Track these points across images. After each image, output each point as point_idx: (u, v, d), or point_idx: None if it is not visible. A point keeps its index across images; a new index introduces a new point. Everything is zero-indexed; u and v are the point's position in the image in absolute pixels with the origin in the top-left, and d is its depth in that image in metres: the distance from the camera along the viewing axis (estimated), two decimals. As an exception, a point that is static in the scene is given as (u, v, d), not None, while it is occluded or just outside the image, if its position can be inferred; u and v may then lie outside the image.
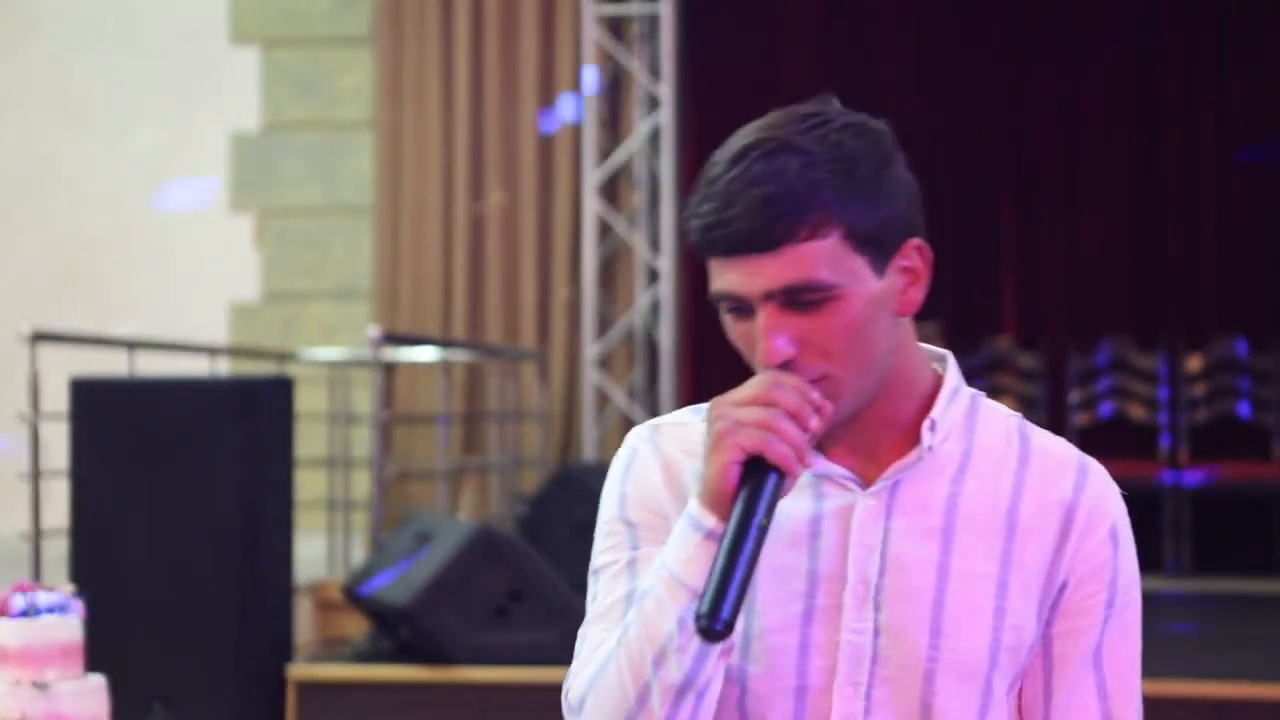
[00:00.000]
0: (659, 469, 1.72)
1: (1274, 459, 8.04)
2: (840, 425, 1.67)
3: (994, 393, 8.33)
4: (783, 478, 1.59)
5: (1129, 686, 1.73)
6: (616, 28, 8.25)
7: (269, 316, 8.43)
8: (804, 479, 1.67)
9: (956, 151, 8.41)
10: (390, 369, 7.74)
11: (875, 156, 1.66)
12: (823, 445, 1.69)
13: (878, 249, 1.65)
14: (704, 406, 1.69)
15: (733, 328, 1.67)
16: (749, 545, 1.57)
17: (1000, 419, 1.74)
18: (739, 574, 1.55)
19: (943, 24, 8.53)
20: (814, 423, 1.60)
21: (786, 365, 1.61)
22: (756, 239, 1.60)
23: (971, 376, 8.67)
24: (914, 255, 1.68)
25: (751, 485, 1.59)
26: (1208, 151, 8.36)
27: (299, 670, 5.44)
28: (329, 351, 7.79)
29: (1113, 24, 8.41)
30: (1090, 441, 8.30)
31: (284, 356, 7.36)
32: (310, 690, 5.40)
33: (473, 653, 5.32)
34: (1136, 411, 8.31)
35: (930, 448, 1.68)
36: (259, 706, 5.33)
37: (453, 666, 5.35)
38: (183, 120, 8.49)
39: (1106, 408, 8.33)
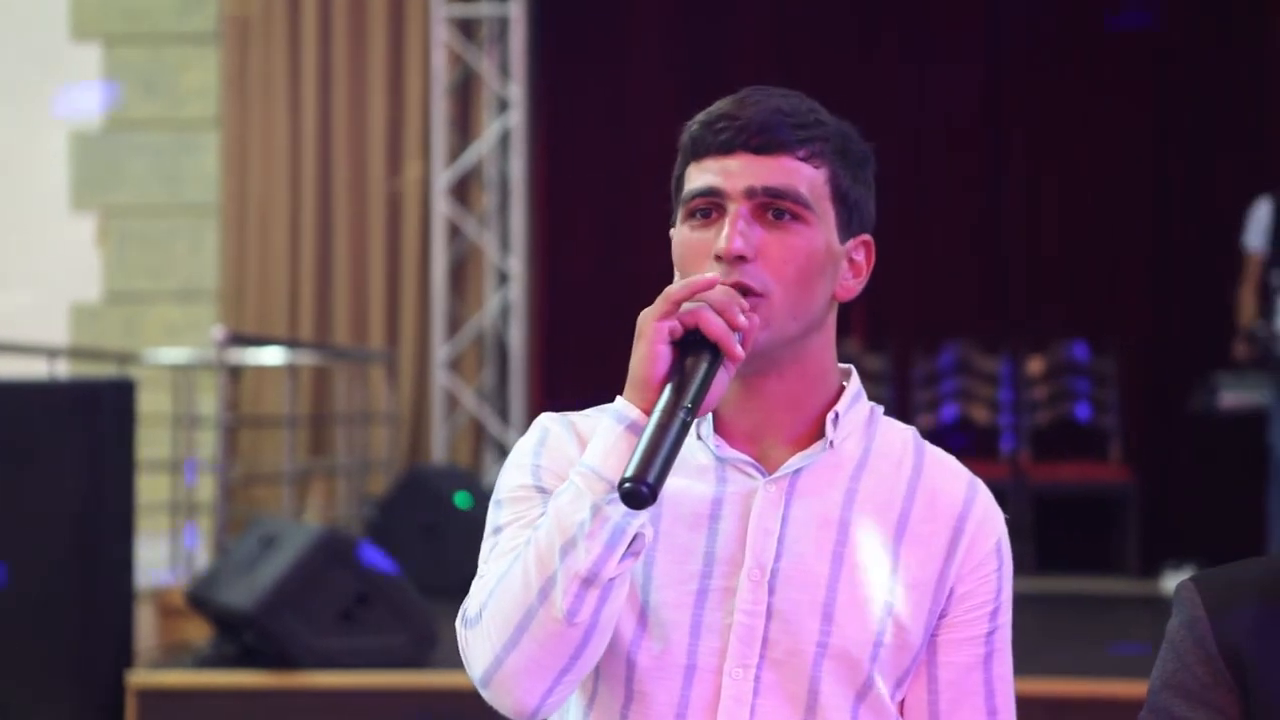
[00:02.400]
0: (575, 445, 1.74)
1: (1112, 460, 8.21)
2: (744, 401, 1.71)
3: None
4: (716, 361, 1.60)
5: (1010, 704, 1.79)
6: (466, 28, 8.22)
7: (111, 317, 8.28)
8: (706, 461, 1.71)
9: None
10: (236, 371, 7.65)
11: (865, 151, 1.79)
12: (725, 431, 1.73)
13: (848, 215, 1.74)
14: (608, 406, 1.71)
15: (687, 238, 1.70)
16: (675, 427, 1.57)
17: (897, 430, 1.80)
18: (665, 448, 1.56)
19: (794, 24, 8.60)
20: (741, 320, 1.61)
21: (737, 263, 1.65)
22: (758, 140, 1.68)
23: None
24: (863, 250, 1.78)
25: (681, 371, 1.60)
26: (1051, 158, 8.52)
27: (139, 677, 5.35)
28: (173, 353, 7.67)
29: (960, 27, 8.54)
30: (934, 443, 8.41)
31: (126, 358, 7.24)
32: (151, 698, 5.31)
33: (318, 657, 5.27)
34: (979, 413, 8.44)
35: (832, 442, 1.72)
36: (98, 714, 5.23)
37: (298, 671, 5.29)
38: (22, 117, 8.31)
39: (950, 410, 8.45)
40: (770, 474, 1.71)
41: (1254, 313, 6.99)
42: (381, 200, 8.17)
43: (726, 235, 1.66)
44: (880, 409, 1.81)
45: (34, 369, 6.74)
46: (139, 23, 8.30)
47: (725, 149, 1.68)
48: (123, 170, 8.29)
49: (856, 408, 1.77)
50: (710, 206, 1.69)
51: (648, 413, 1.59)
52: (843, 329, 8.84)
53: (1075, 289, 8.47)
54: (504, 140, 8.19)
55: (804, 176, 1.69)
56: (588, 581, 1.59)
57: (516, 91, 8.11)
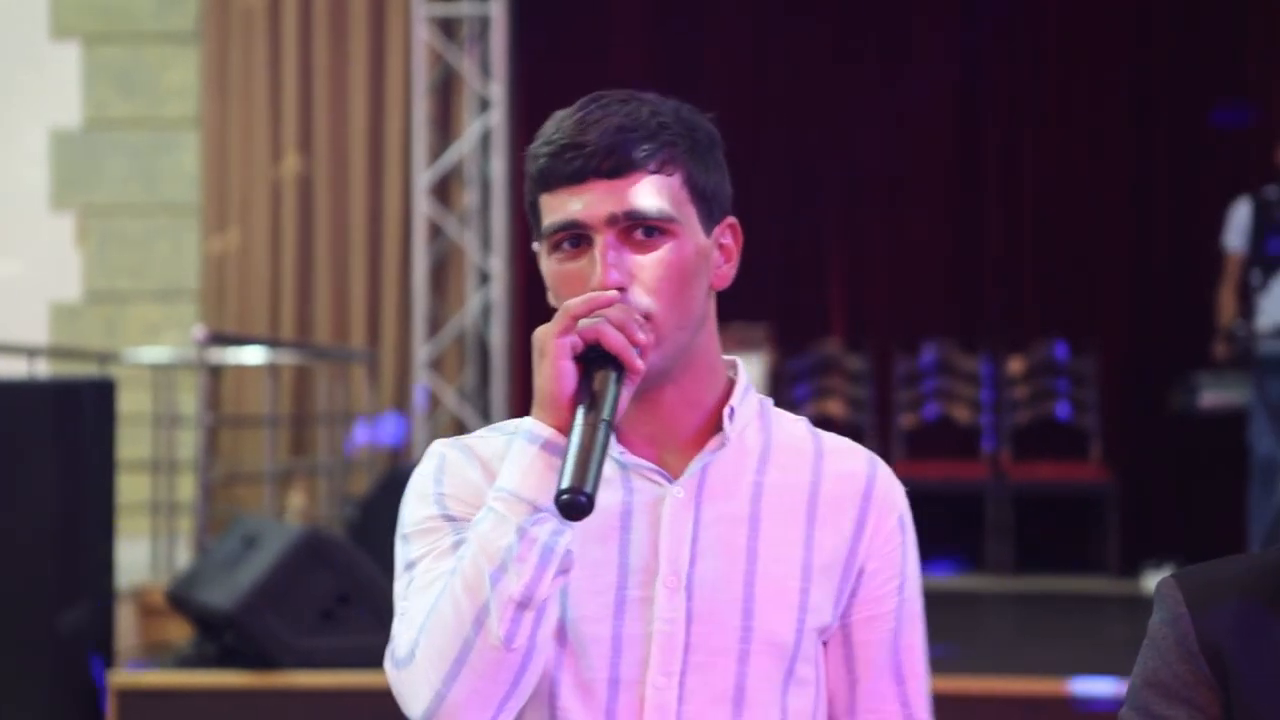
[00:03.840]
0: (477, 468, 1.73)
1: (1092, 459, 8.23)
2: (642, 411, 1.71)
3: (823, 394, 8.51)
4: (622, 376, 1.61)
5: (920, 671, 1.81)
6: (447, 28, 8.21)
7: (91, 317, 8.26)
8: (612, 472, 1.70)
9: (784, 153, 8.50)
10: (216, 370, 7.63)
11: (710, 132, 1.75)
12: (625, 439, 1.72)
13: (708, 208, 1.73)
14: (501, 424, 1.75)
15: (558, 270, 1.69)
16: (600, 435, 1.57)
17: (790, 420, 1.81)
18: (596, 458, 1.56)
19: (772, 25, 8.61)
20: (641, 336, 1.62)
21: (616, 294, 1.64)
22: (609, 164, 1.66)
23: (800, 378, 8.81)
24: (729, 233, 1.76)
25: (590, 387, 1.60)
26: (1028, 157, 8.55)
27: (120, 677, 5.33)
28: (153, 352, 7.65)
29: (936, 29, 8.56)
30: (916, 443, 8.45)
31: (106, 358, 7.22)
32: (132, 698, 5.30)
33: (299, 657, 5.26)
34: (960, 413, 8.46)
35: (731, 437, 1.73)
36: (79, 714, 5.22)
37: (278, 671, 5.28)
38: (1, 116, 8.28)
39: (931, 409, 8.47)
40: (675, 478, 1.71)
41: (1233, 313, 7.01)
42: (363, 200, 8.16)
43: (599, 271, 1.65)
44: (770, 401, 1.81)
45: (13, 368, 6.71)
46: (118, 22, 8.28)
47: (577, 179, 1.67)
48: (102, 169, 8.27)
49: (748, 400, 1.77)
50: (576, 237, 1.68)
51: (561, 430, 1.59)
52: (823, 329, 8.82)
53: (1055, 289, 8.49)
54: (485, 139, 8.18)
55: (662, 189, 1.68)
56: (522, 605, 1.58)
57: (497, 91, 8.11)
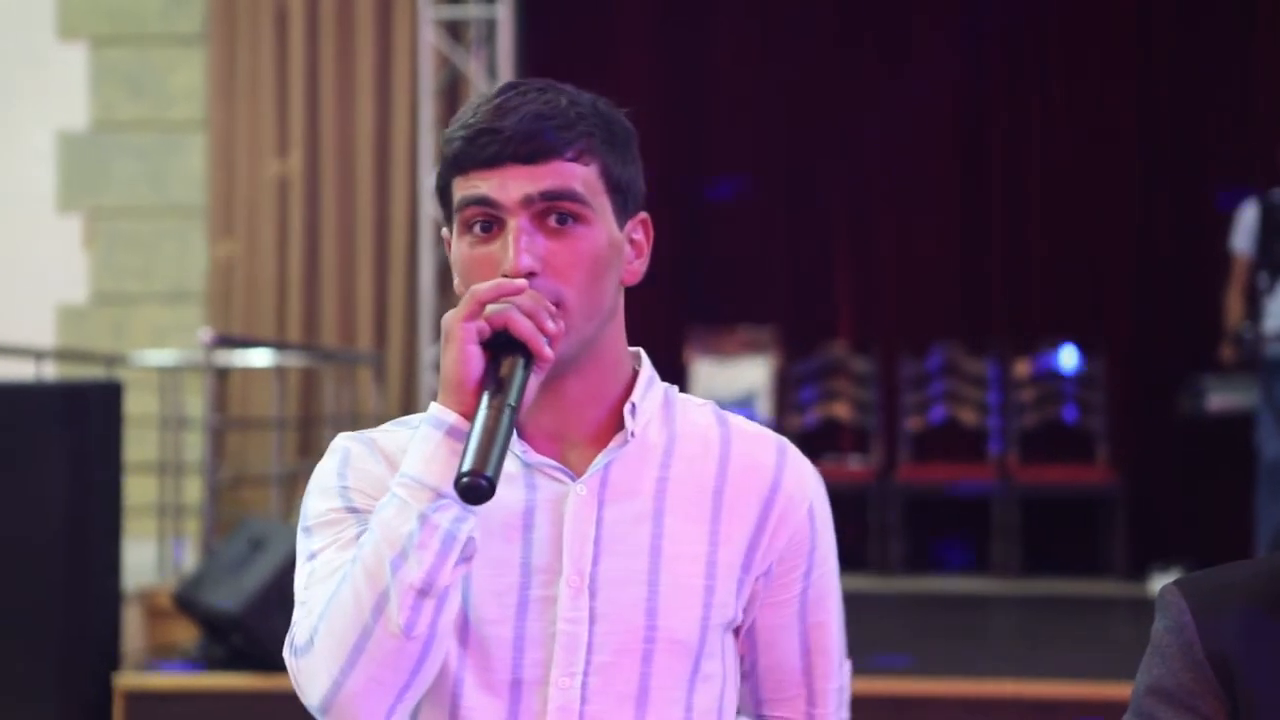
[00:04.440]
0: (380, 462, 1.71)
1: (1099, 462, 8.22)
2: (545, 404, 1.69)
3: (829, 397, 8.50)
4: (529, 363, 1.59)
5: (829, 645, 1.80)
6: (454, 30, 8.21)
7: (98, 319, 8.27)
8: (514, 470, 1.69)
9: (789, 155, 8.49)
10: (223, 372, 7.63)
11: (627, 126, 1.74)
12: (528, 435, 1.71)
13: (622, 201, 1.71)
14: (407, 418, 1.74)
15: (468, 254, 1.67)
16: (504, 420, 1.55)
17: (696, 407, 1.79)
18: (499, 442, 1.54)
19: (778, 27, 8.61)
20: (550, 325, 1.60)
21: (528, 280, 1.63)
22: (526, 148, 1.65)
23: (807, 381, 8.80)
24: (641, 229, 1.75)
25: (496, 373, 1.58)
26: (1034, 159, 8.53)
27: (127, 679, 5.34)
28: (160, 355, 7.66)
29: (940, 32, 8.55)
30: (922, 446, 8.44)
31: (113, 360, 7.23)
32: (139, 700, 5.30)
33: (306, 660, 5.25)
34: (967, 416, 8.45)
35: (634, 433, 1.71)
36: (86, 716, 5.22)
37: (285, 674, 5.27)
38: (8, 118, 8.29)
39: (938, 412, 8.46)
40: (578, 475, 1.70)
41: (1241, 315, 7.00)
42: (369, 202, 8.16)
43: (512, 253, 1.63)
44: (675, 389, 1.79)
45: (21, 370, 6.72)
46: (125, 23, 8.29)
47: (492, 163, 1.65)
48: (109, 171, 8.28)
49: (651, 393, 1.75)
50: (488, 219, 1.66)
51: (465, 416, 1.58)
52: (829, 332, 8.79)
53: (1061, 291, 8.48)
54: (492, 142, 8.17)
55: (577, 175, 1.66)
56: (423, 592, 1.56)
57: (504, 93, 8.10)
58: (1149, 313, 8.36)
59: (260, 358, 7.50)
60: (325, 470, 1.72)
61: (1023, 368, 8.42)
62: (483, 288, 1.61)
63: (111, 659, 5.38)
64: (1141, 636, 1.74)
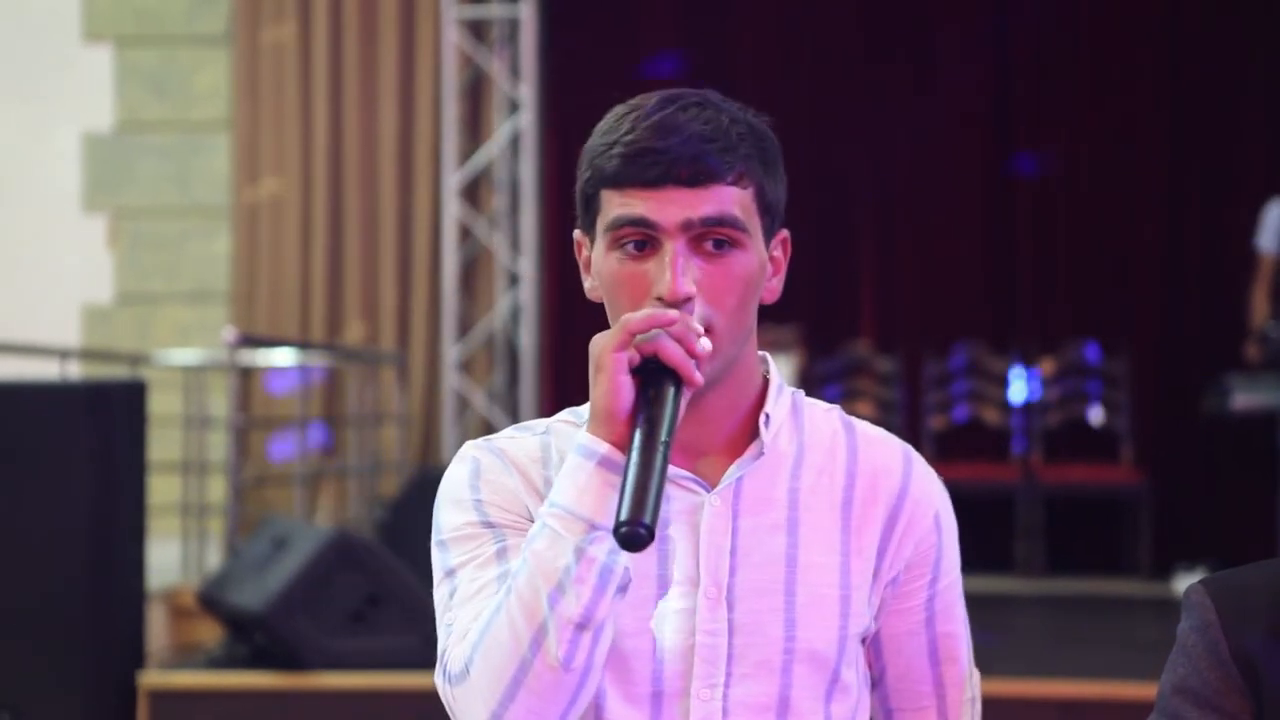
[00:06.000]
0: (512, 473, 1.70)
1: (1123, 462, 8.19)
2: (685, 421, 1.66)
3: (852, 396, 8.49)
4: (680, 390, 1.57)
5: (958, 655, 1.78)
6: (477, 30, 8.22)
7: (123, 319, 8.29)
8: None
9: (814, 154, 8.48)
10: (247, 372, 7.65)
11: (776, 144, 1.73)
12: None
13: (770, 221, 1.70)
14: (529, 423, 1.72)
15: (619, 269, 1.65)
16: (658, 459, 1.54)
17: (822, 413, 1.78)
18: (655, 485, 1.52)
19: (802, 29, 8.60)
20: (699, 350, 1.59)
21: (683, 305, 1.61)
22: (689, 171, 1.62)
23: (830, 380, 8.78)
24: (781, 247, 1.74)
25: (649, 401, 1.56)
26: (1060, 157, 8.51)
27: (151, 678, 5.35)
28: (184, 354, 7.68)
29: (968, 27, 8.53)
30: (946, 445, 8.42)
31: (138, 360, 7.25)
32: (162, 698, 5.31)
33: (329, 659, 5.27)
34: (990, 415, 8.43)
35: (767, 444, 1.71)
36: (110, 715, 5.23)
37: (309, 673, 5.29)
38: (34, 119, 8.32)
39: (961, 411, 8.44)
40: (712, 486, 1.69)
41: (1266, 314, 6.98)
42: (393, 202, 8.18)
43: (670, 278, 1.61)
44: (801, 393, 1.79)
45: (46, 370, 6.74)
46: (150, 24, 8.32)
47: (655, 183, 1.63)
48: (134, 172, 8.30)
49: (781, 400, 1.75)
50: (644, 239, 1.64)
51: (617, 445, 1.56)
52: (853, 331, 8.78)
53: (1086, 290, 8.45)
54: (514, 142, 8.19)
55: (736, 201, 1.65)
56: (581, 626, 1.56)
57: (527, 93, 8.11)
58: (1174, 312, 8.33)
59: (284, 357, 7.51)
60: (456, 482, 1.71)
61: (1046, 366, 8.40)
62: (635, 318, 1.58)
63: (136, 658, 5.39)
64: (1166, 636, 1.74)
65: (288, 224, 8.19)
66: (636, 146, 1.63)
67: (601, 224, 1.66)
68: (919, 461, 1.77)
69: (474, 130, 8.24)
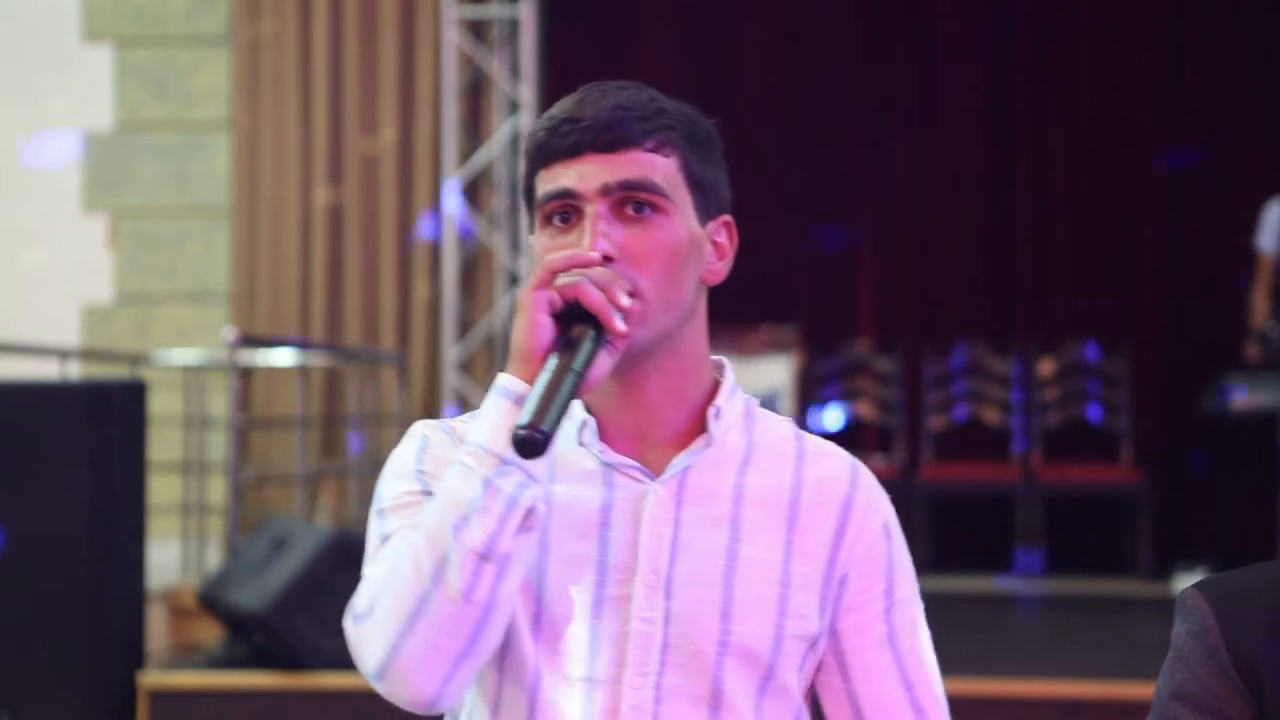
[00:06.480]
0: (459, 448, 1.69)
1: (1123, 462, 8.20)
2: (625, 402, 1.70)
3: (852, 396, 8.48)
4: (600, 337, 1.59)
5: (929, 675, 1.76)
6: (477, 30, 8.22)
7: (123, 319, 8.29)
8: (592, 468, 1.70)
9: (813, 153, 8.48)
10: (247, 372, 7.65)
11: (711, 130, 1.74)
12: (607, 435, 1.71)
13: (704, 199, 1.71)
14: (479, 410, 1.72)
15: (548, 243, 1.67)
16: (567, 380, 1.55)
17: (775, 421, 1.79)
18: (559, 400, 1.54)
19: (803, 28, 8.60)
20: (624, 300, 1.60)
21: (604, 264, 1.63)
22: (606, 138, 1.65)
23: (830, 380, 8.78)
24: (724, 231, 1.75)
25: (565, 342, 1.58)
26: (1059, 156, 8.51)
27: (151, 678, 5.35)
28: (184, 354, 7.68)
29: (967, 26, 8.53)
30: (946, 445, 8.42)
31: (138, 360, 7.25)
32: (162, 698, 5.31)
33: (329, 659, 5.27)
34: (990, 415, 8.43)
35: (715, 436, 1.71)
36: (110, 715, 5.24)
37: (309, 673, 5.29)
38: (34, 119, 8.32)
39: (961, 411, 8.44)
40: (657, 476, 1.70)
41: (1266, 314, 6.97)
42: (393, 202, 8.17)
43: (588, 240, 1.63)
44: (756, 402, 1.79)
45: (46, 370, 6.75)
46: (150, 25, 8.32)
47: (573, 152, 1.66)
48: (134, 172, 8.30)
49: (733, 400, 1.75)
50: (568, 210, 1.67)
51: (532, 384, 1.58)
52: (852, 331, 8.78)
53: (1085, 290, 8.45)
54: (514, 142, 8.18)
55: (656, 166, 1.67)
56: (484, 557, 1.56)
57: (527, 93, 8.11)
58: (1174, 312, 8.33)
59: (284, 357, 7.51)
60: (403, 456, 1.72)
61: (1046, 366, 8.40)
62: (554, 257, 1.61)
63: (136, 658, 5.39)
64: (1166, 636, 1.73)
65: (288, 224, 8.19)
66: (556, 120, 1.68)
67: (537, 211, 1.70)
68: (866, 473, 1.78)
69: (474, 130, 8.24)
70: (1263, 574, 1.68)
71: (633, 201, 1.66)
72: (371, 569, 1.65)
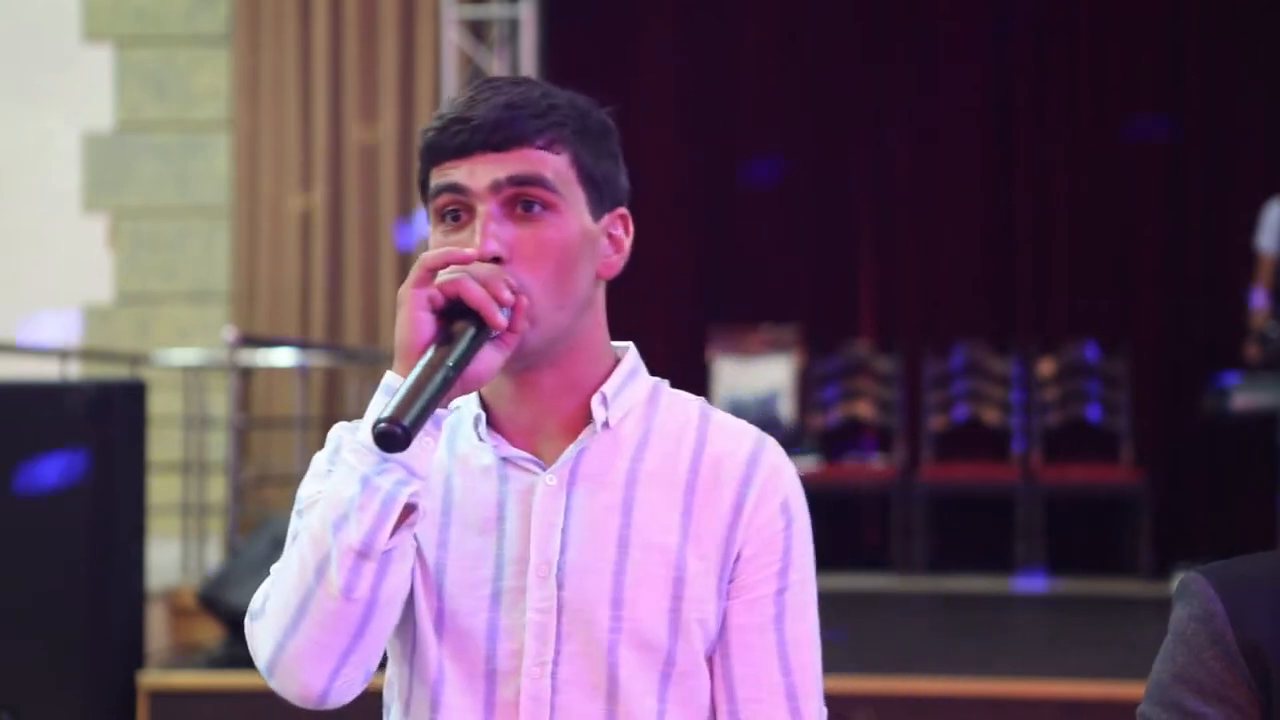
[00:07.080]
0: None
1: (1123, 461, 8.20)
2: (521, 396, 1.70)
3: (852, 396, 8.48)
4: (480, 332, 1.58)
5: (809, 663, 1.73)
6: (477, 30, 8.22)
7: (123, 319, 8.29)
8: (488, 463, 1.70)
9: (814, 153, 8.48)
10: (247, 372, 7.65)
11: (604, 121, 1.74)
12: (503, 429, 1.71)
13: (597, 194, 1.70)
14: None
15: (441, 240, 1.67)
16: (437, 376, 1.54)
17: (682, 403, 1.77)
18: (425, 395, 1.53)
19: (802, 26, 8.60)
20: (506, 295, 1.60)
21: (493, 264, 1.62)
22: (495, 136, 1.65)
23: (830, 380, 8.77)
24: (620, 224, 1.74)
25: (445, 338, 1.58)
26: (1060, 156, 8.51)
27: (151, 678, 5.35)
28: (184, 354, 7.68)
29: (967, 26, 8.53)
30: (946, 445, 8.42)
31: (137, 360, 7.25)
32: (162, 699, 5.31)
33: (330, 659, 5.25)
34: (990, 415, 8.43)
35: (606, 423, 1.70)
36: (110, 715, 5.24)
37: (309, 673, 5.28)
38: (34, 119, 8.33)
39: (961, 411, 8.44)
40: (549, 466, 1.70)
41: (1266, 314, 6.98)
42: (393, 201, 8.17)
43: (478, 240, 1.63)
44: (665, 384, 1.77)
45: (46, 370, 6.75)
46: (150, 24, 8.32)
47: (462, 152, 1.65)
48: (134, 172, 8.30)
49: (633, 385, 1.74)
50: (458, 206, 1.66)
51: None
52: (852, 330, 8.78)
53: (1085, 290, 8.45)
54: (515, 142, 8.17)
55: (547, 163, 1.66)
56: (362, 555, 1.56)
57: (527, 93, 8.10)
58: (1174, 311, 8.33)
59: (284, 357, 7.51)
60: (319, 457, 1.73)
61: (1046, 366, 8.40)
62: (430, 255, 1.61)
63: (135, 658, 5.39)
64: (1165, 636, 1.72)
65: (288, 224, 8.19)
66: (446, 120, 1.67)
67: (430, 208, 1.69)
68: (771, 450, 1.74)
69: (474, 130, 8.23)
70: (1265, 562, 1.67)
71: (523, 199, 1.65)
72: (274, 567, 1.66)
